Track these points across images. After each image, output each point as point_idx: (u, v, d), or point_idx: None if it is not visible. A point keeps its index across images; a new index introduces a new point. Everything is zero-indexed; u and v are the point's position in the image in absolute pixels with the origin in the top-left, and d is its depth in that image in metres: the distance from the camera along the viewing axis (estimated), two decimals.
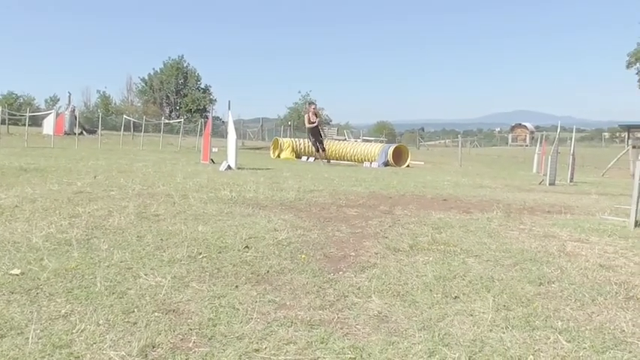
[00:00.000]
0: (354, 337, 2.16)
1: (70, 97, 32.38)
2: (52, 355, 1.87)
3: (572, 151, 13.98)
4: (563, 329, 2.30)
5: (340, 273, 3.07)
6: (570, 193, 9.51)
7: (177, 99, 56.95)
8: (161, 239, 3.63)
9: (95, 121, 32.58)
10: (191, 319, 2.27)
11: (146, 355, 1.93)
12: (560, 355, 2.04)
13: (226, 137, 11.98)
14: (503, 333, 2.24)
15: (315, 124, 16.21)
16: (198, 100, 56.18)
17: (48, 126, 24.70)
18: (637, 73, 45.46)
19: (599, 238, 4.37)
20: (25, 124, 21.24)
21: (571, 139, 15.97)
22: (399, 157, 18.46)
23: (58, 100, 51.52)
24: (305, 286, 2.79)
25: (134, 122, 28.28)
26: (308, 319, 2.33)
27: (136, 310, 2.33)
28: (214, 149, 15.18)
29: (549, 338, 2.20)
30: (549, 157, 12.25)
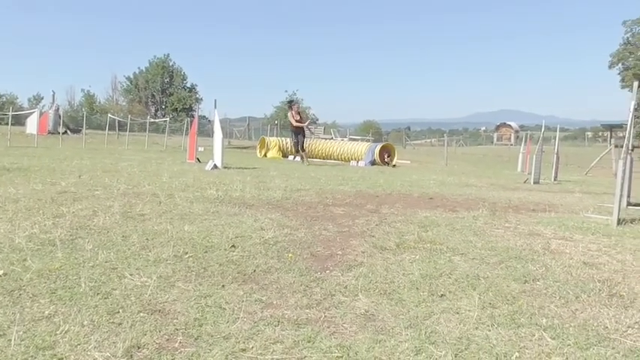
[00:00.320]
0: (341, 336, 2.16)
1: (53, 95, 32.04)
2: (35, 357, 1.84)
3: (556, 150, 14.13)
4: (547, 326, 2.33)
5: (327, 272, 3.07)
6: (554, 191, 9.61)
7: (163, 98, 56.57)
8: (147, 239, 3.60)
9: (79, 120, 32.22)
10: (177, 319, 2.25)
11: (131, 355, 1.91)
12: (545, 352, 2.06)
13: (212, 136, 11.93)
14: (489, 330, 2.25)
15: (301, 124, 15.97)
16: (184, 99, 55.87)
17: (31, 125, 24.38)
18: (619, 74, 46.06)
19: (583, 236, 4.42)
20: (7, 124, 20.94)
21: (555, 138, 16.14)
22: (385, 156, 18.51)
23: (42, 98, 50.95)
24: (292, 285, 2.78)
25: (119, 121, 28.02)
26: (295, 318, 2.33)
27: (121, 310, 2.31)
28: (200, 148, 15.11)
29: (534, 335, 2.22)
30: (534, 156, 12.37)
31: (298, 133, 15.77)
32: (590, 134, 72.93)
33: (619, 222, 5.11)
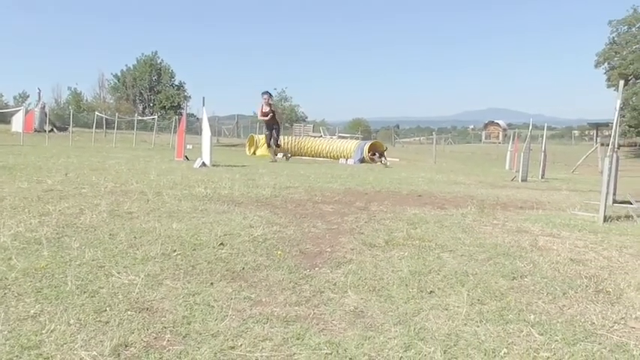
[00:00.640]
0: (330, 333, 2.16)
1: (39, 93, 31.69)
2: (21, 357, 1.82)
3: (543, 149, 14.25)
4: (535, 322, 2.34)
5: (316, 269, 3.06)
6: (542, 189, 9.69)
7: (151, 96, 56.20)
8: (134, 237, 3.57)
9: (66, 118, 31.90)
10: (165, 317, 2.23)
11: (119, 354, 1.89)
12: (533, 348, 2.08)
13: (201, 134, 11.87)
14: (478, 327, 2.26)
15: (268, 116, 14.47)
16: (172, 96, 55.54)
17: (17, 123, 24.12)
18: (605, 73, 46.50)
19: (570, 233, 4.46)
20: None
21: (542, 136, 16.27)
22: (373, 153, 18.55)
23: (28, 96, 50.34)
24: (281, 283, 2.77)
25: (106, 119, 27.81)
26: (284, 315, 2.32)
27: (108, 309, 2.28)
28: (189, 146, 15.05)
29: (522, 331, 2.24)
30: (522, 154, 12.46)
31: (270, 126, 14.59)
32: (576, 133, 73.70)
33: (605, 219, 5.16)
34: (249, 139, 21.96)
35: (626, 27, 44.22)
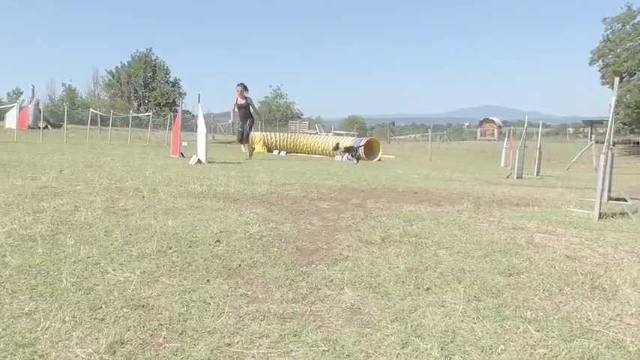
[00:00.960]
0: (327, 330, 2.15)
1: (33, 90, 31.49)
2: (15, 355, 1.81)
3: (538, 146, 14.28)
4: (532, 319, 2.34)
5: (313, 266, 3.05)
6: (537, 186, 9.71)
7: (146, 92, 55.98)
8: (130, 234, 3.55)
9: (60, 114, 31.75)
10: (161, 314, 2.22)
11: (114, 351, 1.88)
12: (530, 344, 2.08)
13: (196, 131, 11.83)
14: (475, 323, 2.26)
15: (241, 109, 13.18)
16: (167, 93, 55.35)
17: (11, 120, 23.97)
18: (599, 70, 46.61)
19: (566, 230, 4.47)
20: None
21: (537, 133, 16.30)
22: (370, 151, 18.58)
23: (22, 93, 50.09)
24: (277, 280, 2.77)
25: (101, 116, 27.70)
26: (280, 312, 2.31)
27: (103, 306, 2.27)
28: (184, 143, 14.99)
29: (519, 328, 2.24)
30: (517, 152, 12.49)
31: (244, 119, 13.36)
32: (571, 130, 73.93)
33: (600, 216, 5.17)
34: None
35: (620, 24, 44.31)
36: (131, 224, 3.85)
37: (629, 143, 39.37)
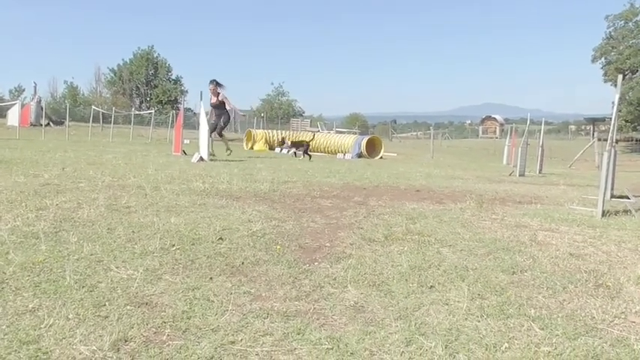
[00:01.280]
0: (330, 328, 2.15)
1: (35, 87, 31.49)
2: (19, 352, 1.80)
3: (541, 143, 14.26)
4: (536, 317, 2.34)
5: (315, 264, 3.05)
6: (540, 184, 9.70)
7: (148, 90, 55.96)
8: (132, 231, 3.55)
9: (62, 112, 31.77)
10: (164, 311, 2.22)
11: (118, 349, 1.87)
12: (534, 342, 2.07)
13: (198, 129, 11.81)
14: (479, 321, 2.26)
15: (216, 108, 12.52)
16: (169, 91, 55.34)
17: (13, 117, 24.01)
18: (602, 68, 46.51)
19: (569, 228, 4.46)
20: None
21: (539, 131, 16.27)
22: (372, 148, 18.56)
23: (23, 90, 50.14)
24: (280, 277, 2.76)
25: (103, 113, 27.69)
26: (284, 310, 2.31)
27: (107, 303, 2.27)
28: (186, 141, 14.98)
29: (523, 326, 2.23)
30: (519, 149, 12.47)
31: (218, 115, 12.57)
32: (573, 128, 73.82)
33: (603, 214, 5.16)
34: (246, 133, 21.92)
35: (622, 22, 44.20)
36: (134, 222, 3.85)
37: (632, 141, 39.31)
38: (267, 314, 2.25)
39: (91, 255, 2.96)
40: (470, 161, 21.40)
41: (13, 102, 28.84)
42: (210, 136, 12.17)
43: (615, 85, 5.82)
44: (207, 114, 12.19)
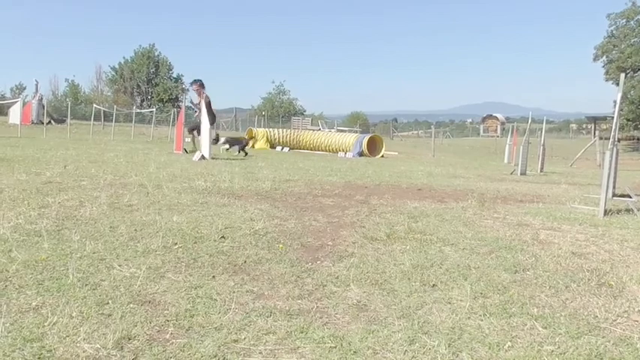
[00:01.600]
0: (333, 326, 2.15)
1: (37, 85, 31.45)
2: (23, 349, 1.81)
3: (542, 142, 14.24)
4: (538, 316, 2.34)
5: (318, 262, 3.05)
6: (541, 182, 9.68)
7: (149, 88, 55.99)
8: (135, 230, 3.56)
9: (64, 110, 31.76)
10: (167, 310, 2.22)
11: (122, 347, 1.88)
12: (537, 341, 2.07)
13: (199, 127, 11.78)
14: (481, 320, 2.26)
15: (200, 107, 12.00)
16: (170, 89, 55.35)
17: (14, 115, 24.01)
18: (603, 66, 46.40)
19: (571, 227, 4.46)
20: None
21: (541, 130, 16.26)
22: (373, 147, 18.55)
23: (25, 88, 50.11)
24: (283, 276, 2.76)
25: (104, 112, 27.69)
26: (287, 308, 2.31)
27: (110, 301, 2.27)
28: (187, 139, 14.98)
29: (526, 325, 2.23)
30: (520, 148, 12.45)
31: (200, 117, 11.93)
32: (574, 126, 73.73)
33: (605, 212, 5.15)
34: (247, 132, 21.91)
35: (624, 20, 44.09)
36: (136, 220, 3.86)
37: (633, 139, 39.25)
38: (270, 313, 2.25)
39: (94, 253, 2.96)
40: (471, 160, 21.37)
41: (15, 100, 28.85)
42: (192, 133, 12.24)
43: (617, 84, 5.81)
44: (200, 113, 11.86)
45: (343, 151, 18.16)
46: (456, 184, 7.84)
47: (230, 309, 2.27)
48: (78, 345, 1.86)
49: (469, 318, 2.28)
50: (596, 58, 46.67)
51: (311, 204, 5.09)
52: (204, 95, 11.99)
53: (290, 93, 64.84)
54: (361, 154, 17.57)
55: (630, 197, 6.14)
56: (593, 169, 17.14)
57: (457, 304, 2.45)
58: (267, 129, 22.24)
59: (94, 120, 25.39)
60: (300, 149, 19.76)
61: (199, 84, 12.21)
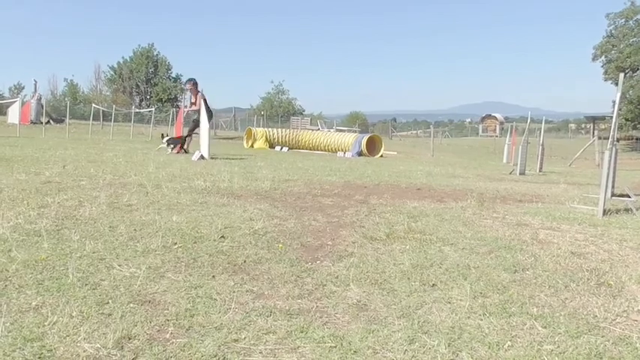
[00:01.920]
0: (333, 326, 2.15)
1: (36, 85, 31.44)
2: (24, 349, 1.81)
3: (541, 142, 14.25)
4: (538, 315, 2.34)
5: (318, 262, 3.05)
6: (540, 182, 9.69)
7: (148, 88, 55.95)
8: (134, 229, 3.56)
9: (62, 109, 31.74)
10: (168, 309, 2.22)
11: (122, 346, 1.88)
12: (537, 341, 2.08)
13: (199, 127, 11.79)
14: (481, 320, 2.26)
15: (196, 107, 11.99)
16: (169, 89, 55.31)
17: (13, 115, 24.00)
18: (602, 66, 46.46)
19: (570, 226, 4.46)
20: None
21: (540, 129, 16.27)
22: (372, 147, 18.55)
23: (23, 88, 50.12)
24: (283, 276, 2.77)
25: (103, 111, 27.68)
26: (287, 308, 2.31)
27: (110, 301, 2.27)
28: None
29: (525, 324, 2.24)
30: (519, 148, 12.46)
31: (197, 116, 11.89)
32: (573, 126, 73.83)
33: (604, 212, 5.16)
34: (246, 131, 21.91)
35: (623, 20, 44.14)
36: (136, 220, 3.86)
37: (632, 139, 39.30)
38: (270, 312, 2.25)
39: (94, 253, 2.96)
40: (470, 160, 21.39)
41: (14, 100, 28.82)
42: (193, 133, 12.16)
43: (616, 84, 5.82)
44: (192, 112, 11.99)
45: (342, 150, 18.16)
46: (455, 184, 7.84)
47: (230, 308, 2.27)
48: (78, 344, 1.86)
49: (469, 317, 2.28)
50: (595, 58, 46.72)
51: (310, 204, 5.09)
52: (200, 94, 12.01)
53: (289, 93, 64.88)
54: (360, 153, 17.58)
55: (629, 197, 6.15)
56: (592, 169, 17.16)
57: (457, 303, 2.45)
58: (266, 129, 22.25)
59: (93, 120, 25.38)
60: (299, 149, 19.77)
61: (193, 82, 12.27)
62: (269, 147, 19.50)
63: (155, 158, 9.80)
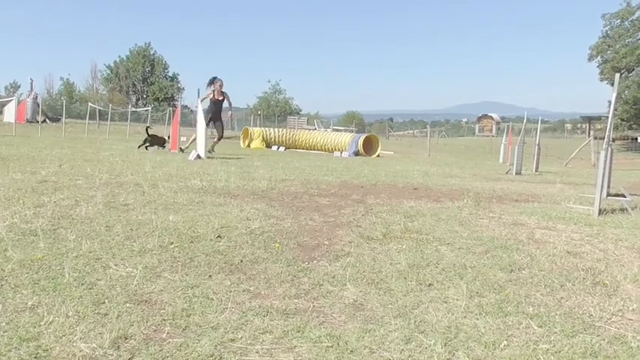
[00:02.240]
0: (330, 326, 2.16)
1: (32, 83, 31.32)
2: (19, 348, 1.80)
3: (537, 142, 14.29)
4: (534, 314, 2.35)
5: (314, 262, 3.06)
6: (536, 182, 9.72)
7: (144, 87, 55.79)
8: (131, 229, 3.55)
9: (59, 108, 31.65)
10: (164, 309, 2.22)
11: (118, 346, 1.88)
12: (533, 340, 2.08)
13: (195, 126, 11.79)
14: (477, 319, 2.27)
15: (217, 104, 12.14)
16: (165, 88, 55.18)
17: (9, 113, 23.92)
18: (598, 66, 46.62)
19: (566, 226, 4.48)
20: None
21: (536, 129, 16.31)
22: (369, 147, 18.57)
23: (19, 86, 49.90)
24: (279, 275, 2.77)
25: (100, 110, 27.62)
26: (283, 308, 2.32)
27: (106, 301, 2.27)
28: (183, 138, 14.96)
29: (521, 324, 2.24)
30: (516, 148, 12.50)
31: (220, 116, 12.40)
32: (569, 126, 74.06)
33: (600, 212, 5.18)
34: (243, 131, 21.90)
35: (619, 20, 44.30)
36: (132, 219, 3.85)
37: (627, 139, 39.44)
38: (267, 312, 2.25)
39: (90, 252, 2.95)
40: (466, 159, 21.43)
41: (9, 98, 28.71)
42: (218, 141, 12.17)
43: (611, 84, 5.84)
44: (205, 111, 11.85)
45: (339, 150, 18.18)
46: (452, 184, 7.86)
47: (227, 308, 2.27)
48: (74, 344, 1.86)
49: (465, 317, 2.29)
50: (590, 58, 46.87)
51: (307, 203, 5.09)
52: (213, 91, 12.00)
53: (286, 92, 64.87)
54: (357, 153, 17.60)
55: (625, 197, 6.18)
56: (588, 169, 17.21)
57: (453, 303, 2.46)
58: (262, 128, 22.24)
59: (89, 119, 25.32)
60: (296, 149, 19.77)
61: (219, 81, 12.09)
62: (266, 147, 19.50)
63: (152, 157, 9.78)
